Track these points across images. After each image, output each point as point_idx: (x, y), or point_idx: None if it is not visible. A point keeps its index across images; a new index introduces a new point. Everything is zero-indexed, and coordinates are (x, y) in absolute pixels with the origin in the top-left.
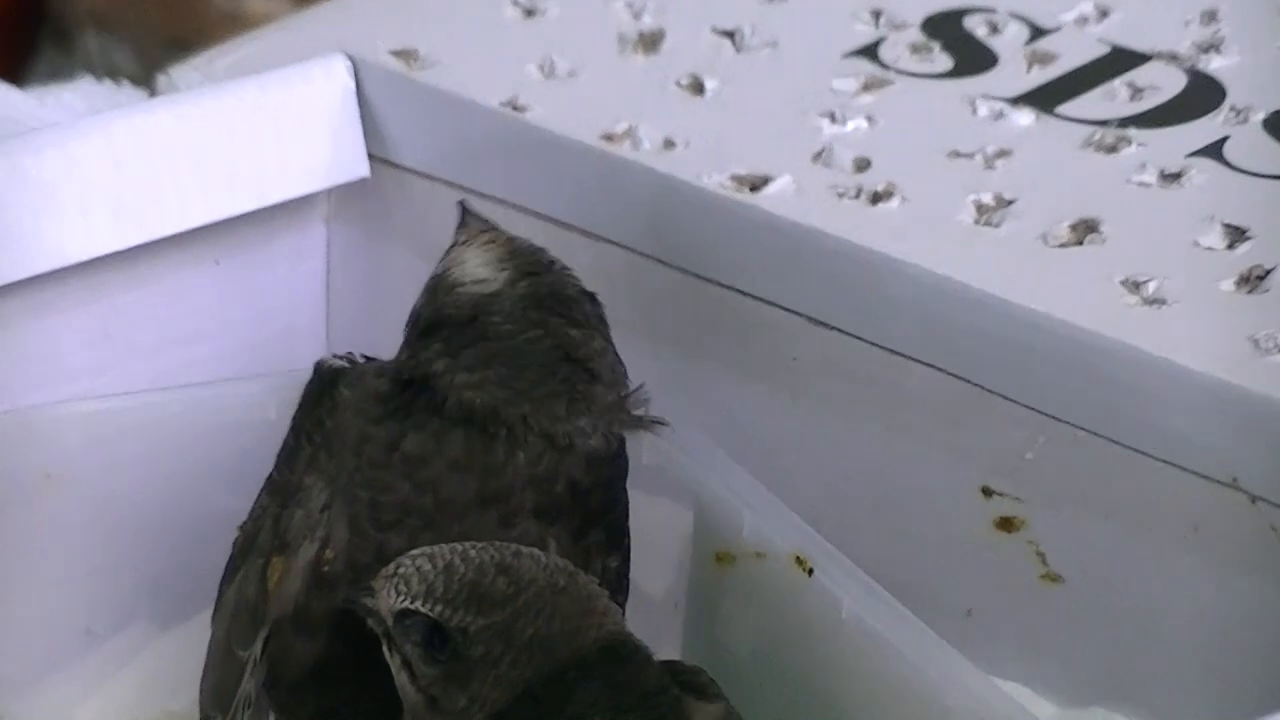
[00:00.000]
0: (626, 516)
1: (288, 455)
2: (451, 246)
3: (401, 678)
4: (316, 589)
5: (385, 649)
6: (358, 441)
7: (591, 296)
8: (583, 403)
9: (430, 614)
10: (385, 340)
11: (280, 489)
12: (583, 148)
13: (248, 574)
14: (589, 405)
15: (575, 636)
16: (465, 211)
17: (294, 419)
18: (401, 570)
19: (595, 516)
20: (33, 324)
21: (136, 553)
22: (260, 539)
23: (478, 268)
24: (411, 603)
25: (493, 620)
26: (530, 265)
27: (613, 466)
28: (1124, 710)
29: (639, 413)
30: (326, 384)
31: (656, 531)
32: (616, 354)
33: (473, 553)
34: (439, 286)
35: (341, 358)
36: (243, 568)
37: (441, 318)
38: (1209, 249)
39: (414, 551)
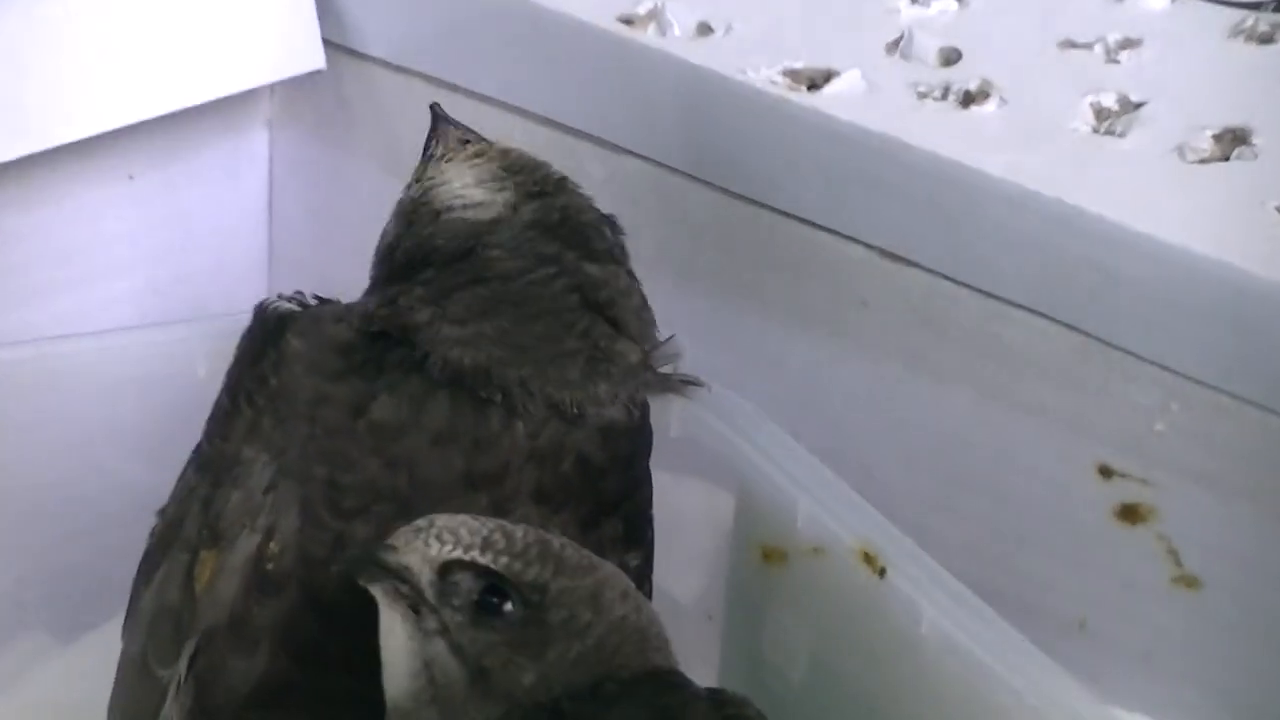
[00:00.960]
0: (650, 504)
1: (221, 421)
2: (425, 160)
3: (435, 648)
4: (258, 592)
5: (403, 618)
6: (312, 404)
7: (612, 222)
8: (604, 364)
9: (493, 565)
10: (341, 276)
11: (211, 463)
12: (596, 32)
13: (170, 573)
14: (610, 367)
15: (634, 653)
16: (437, 117)
17: (229, 375)
18: (438, 524)
19: (611, 503)
20: None
21: (25, 544)
22: (186, 528)
23: (469, 188)
24: (465, 553)
25: (578, 583)
26: (535, 183)
27: (634, 440)
28: None
29: (668, 371)
30: (271, 332)
31: (688, 521)
32: (644, 296)
33: (518, 529)
34: (418, 211)
35: (290, 298)
36: (163, 564)
37: (427, 251)
38: None
39: (439, 515)
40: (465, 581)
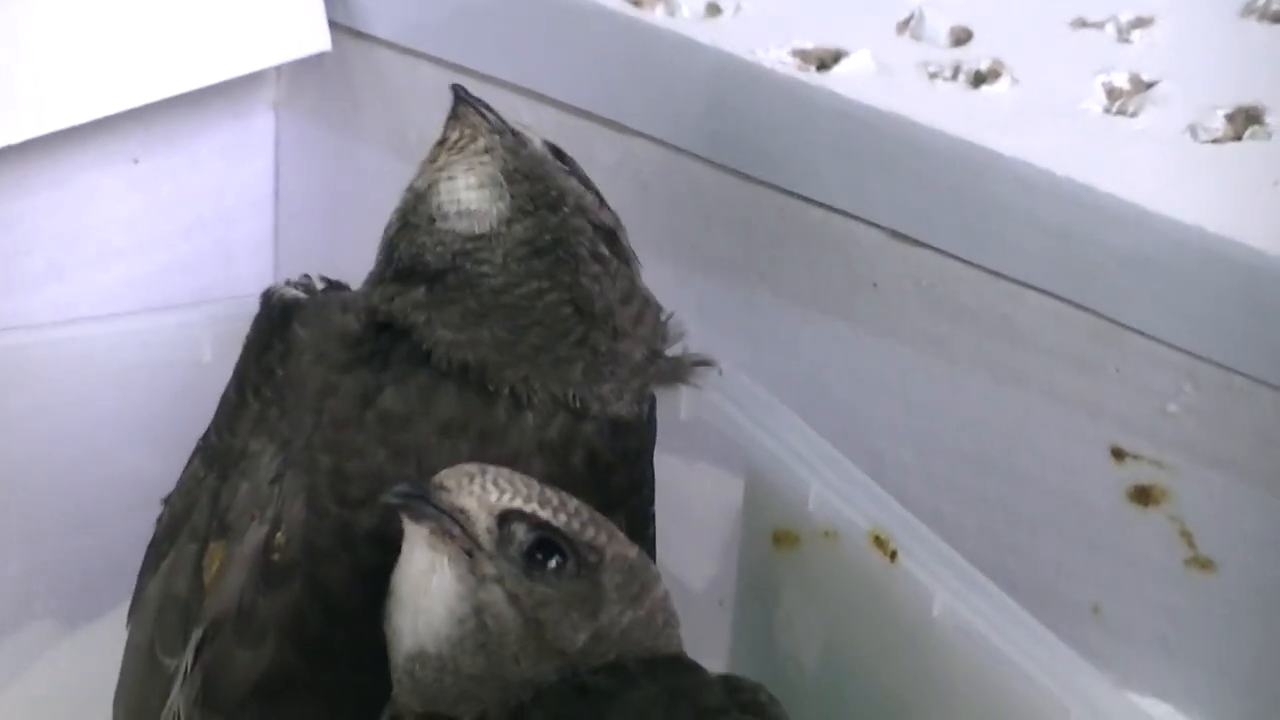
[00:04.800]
0: (652, 501)
1: (229, 413)
2: (438, 145)
3: (490, 595)
4: (264, 583)
5: (451, 561)
6: (318, 394)
7: (611, 231)
8: (607, 366)
9: (553, 520)
10: (348, 259)
11: (219, 456)
12: (604, 13)
13: (177, 562)
14: (614, 368)
15: (645, 638)
16: (459, 99)
17: (237, 366)
18: (492, 472)
19: (617, 498)
20: None
21: (31, 532)
22: (194, 518)
23: (468, 191)
24: (526, 504)
25: (627, 553)
26: (535, 196)
27: (641, 436)
28: None
29: (676, 354)
30: (278, 321)
31: (698, 505)
32: (647, 297)
33: (549, 490)
34: (417, 211)
35: (297, 284)
36: (170, 554)
37: (418, 265)
38: None
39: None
40: (521, 532)
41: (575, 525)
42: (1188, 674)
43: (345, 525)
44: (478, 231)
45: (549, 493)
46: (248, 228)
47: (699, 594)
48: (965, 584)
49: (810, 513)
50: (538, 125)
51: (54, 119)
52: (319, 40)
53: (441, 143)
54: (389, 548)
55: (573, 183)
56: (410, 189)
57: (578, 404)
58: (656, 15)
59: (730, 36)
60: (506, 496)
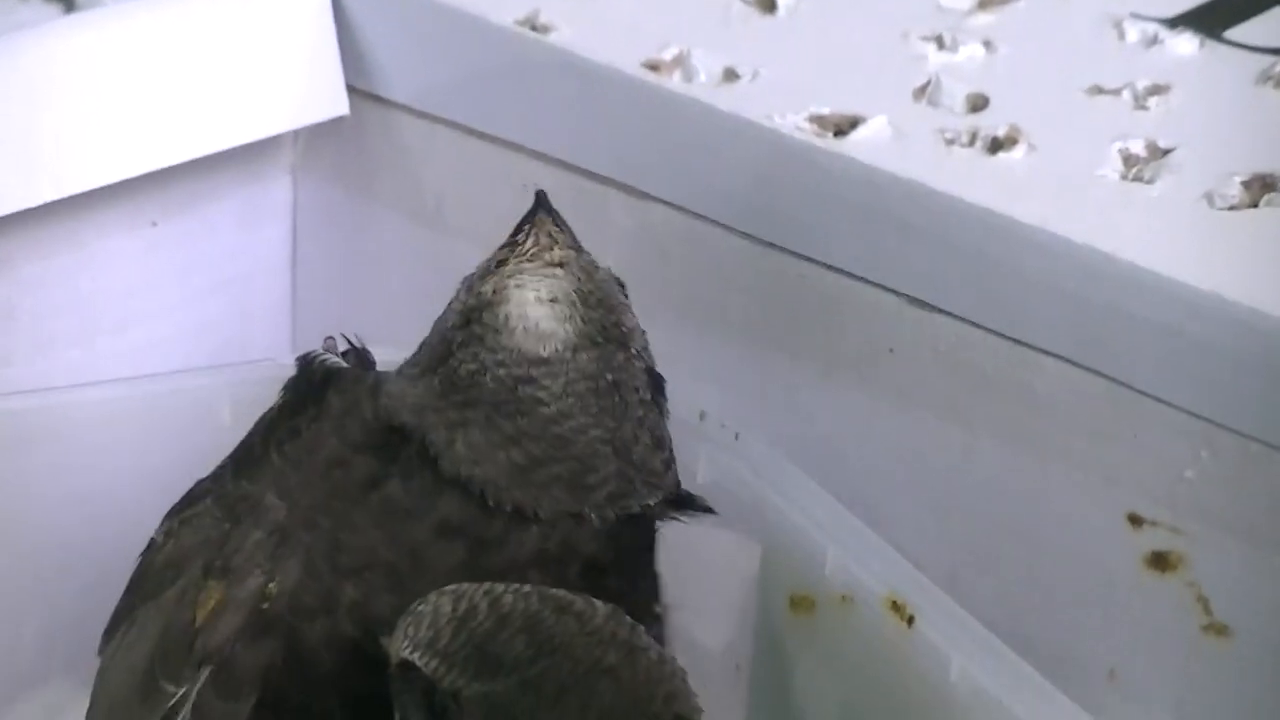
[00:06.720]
0: (656, 596)
1: (250, 463)
2: (506, 248)
3: None
4: (251, 632)
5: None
6: (329, 463)
7: (660, 381)
8: (619, 500)
9: (426, 670)
10: (365, 323)
11: (236, 501)
12: (621, 79)
13: (185, 591)
14: (621, 503)
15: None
16: (539, 204)
17: (267, 419)
18: (421, 608)
19: (612, 600)
20: None
21: (51, 593)
22: (206, 554)
23: (538, 305)
24: (413, 653)
25: (489, 688)
26: (605, 327)
27: (641, 533)
28: None
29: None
30: (317, 385)
31: (714, 569)
32: (672, 446)
33: (507, 598)
34: (482, 320)
35: (337, 351)
36: (179, 583)
37: (476, 383)
38: None
39: (448, 587)
40: (414, 682)
41: (441, 670)
42: None
43: (330, 592)
44: (544, 354)
45: (447, 630)
46: (265, 291)
47: (716, 658)
48: (982, 649)
49: (827, 578)
50: (554, 189)
51: (73, 182)
52: (337, 105)
53: (510, 245)
54: (370, 621)
55: (635, 321)
56: (472, 290)
57: (592, 516)
58: (674, 81)
59: (747, 102)
60: (406, 646)
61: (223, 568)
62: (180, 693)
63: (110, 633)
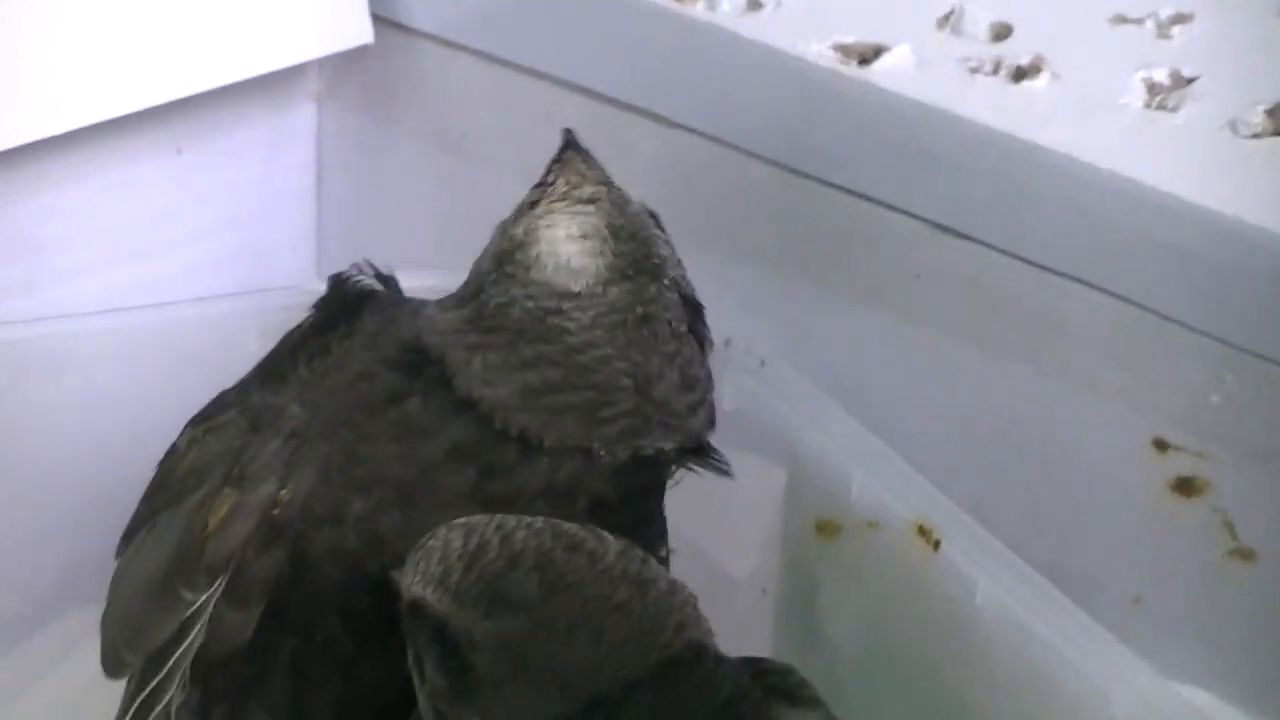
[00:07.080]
0: (663, 539)
1: (278, 375)
2: (537, 188)
3: (415, 679)
4: (260, 540)
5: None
6: (356, 377)
7: (699, 308)
8: (630, 438)
9: (438, 608)
10: (389, 250)
11: (260, 412)
12: (645, 6)
13: (207, 499)
14: (632, 442)
15: (629, 662)
16: (568, 145)
17: (293, 336)
18: (432, 542)
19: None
20: None
21: (78, 520)
22: (227, 462)
23: (569, 242)
24: (424, 588)
25: (502, 626)
26: (637, 260)
27: (650, 474)
28: None
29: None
30: (351, 305)
31: (740, 495)
32: (710, 383)
33: (519, 534)
34: (514, 259)
35: (374, 274)
36: (202, 489)
37: (504, 314)
38: None
39: (457, 520)
40: (425, 621)
41: (454, 608)
42: (1228, 663)
43: (339, 505)
44: (575, 289)
45: (457, 566)
46: (289, 219)
47: (742, 582)
48: (1008, 573)
49: (853, 503)
50: (578, 117)
51: (98, 110)
52: (361, 33)
53: (541, 186)
54: (375, 536)
55: (670, 251)
56: (505, 233)
57: (584, 454)
58: (698, 9)
59: (771, 30)
60: (417, 582)
61: (239, 475)
62: (199, 601)
63: (129, 537)
